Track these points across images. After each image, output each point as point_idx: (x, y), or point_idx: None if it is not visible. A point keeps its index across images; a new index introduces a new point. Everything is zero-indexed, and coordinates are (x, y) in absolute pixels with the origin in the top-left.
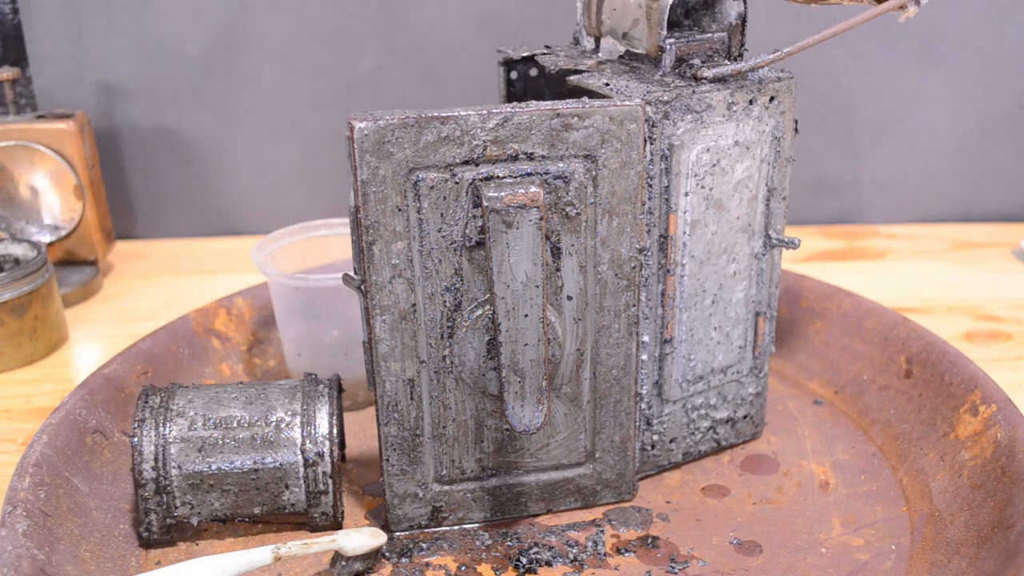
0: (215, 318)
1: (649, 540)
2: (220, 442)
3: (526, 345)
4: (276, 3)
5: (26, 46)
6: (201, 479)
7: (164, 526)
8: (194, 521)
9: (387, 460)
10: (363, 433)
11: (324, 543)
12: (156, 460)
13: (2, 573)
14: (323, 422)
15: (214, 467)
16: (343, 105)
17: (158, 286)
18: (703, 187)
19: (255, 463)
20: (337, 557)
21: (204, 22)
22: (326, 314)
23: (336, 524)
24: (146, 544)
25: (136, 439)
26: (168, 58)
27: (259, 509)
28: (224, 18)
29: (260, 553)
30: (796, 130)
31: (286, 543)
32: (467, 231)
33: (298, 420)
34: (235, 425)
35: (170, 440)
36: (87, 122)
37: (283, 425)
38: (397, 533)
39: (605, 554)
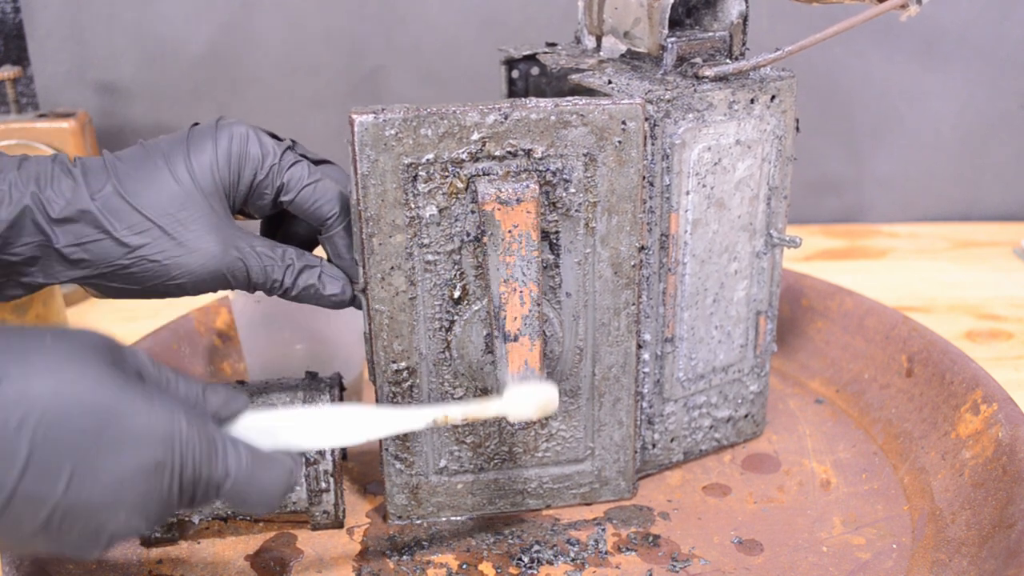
0: (216, 317)
1: (650, 539)
2: None
3: None
4: (277, 2)
5: (28, 45)
6: None
7: (166, 524)
8: (196, 520)
9: (386, 450)
10: None
11: (488, 408)
12: None
13: (4, 571)
14: None
15: None
16: (344, 104)
17: None
18: (704, 186)
19: None
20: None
21: (205, 21)
22: (290, 328)
23: (338, 523)
24: (147, 542)
25: None
26: (169, 57)
27: None
28: (225, 17)
29: (417, 417)
30: (797, 129)
31: (445, 411)
32: (465, 226)
33: None
34: None
35: None
36: (88, 121)
37: None
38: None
39: (606, 552)
